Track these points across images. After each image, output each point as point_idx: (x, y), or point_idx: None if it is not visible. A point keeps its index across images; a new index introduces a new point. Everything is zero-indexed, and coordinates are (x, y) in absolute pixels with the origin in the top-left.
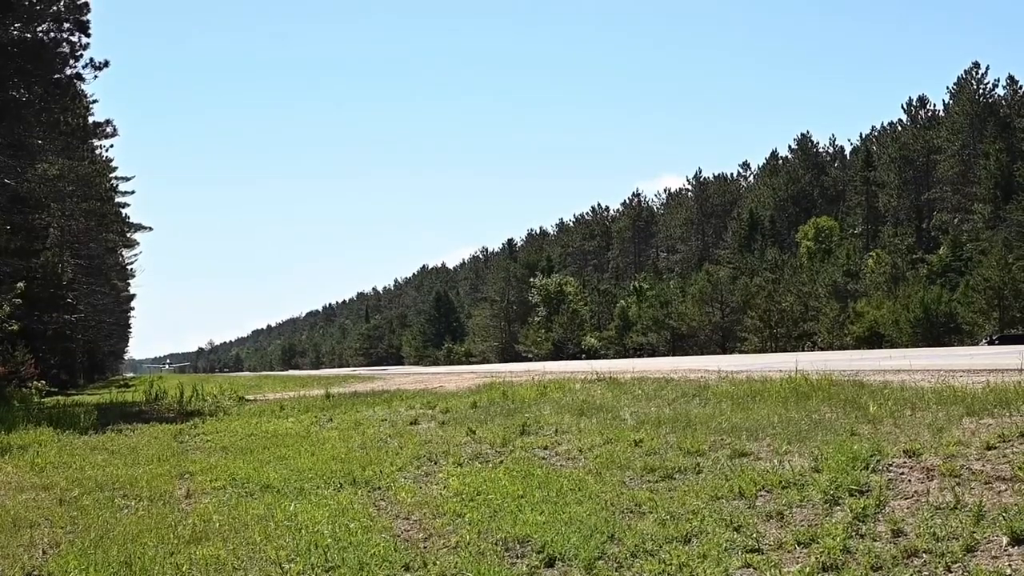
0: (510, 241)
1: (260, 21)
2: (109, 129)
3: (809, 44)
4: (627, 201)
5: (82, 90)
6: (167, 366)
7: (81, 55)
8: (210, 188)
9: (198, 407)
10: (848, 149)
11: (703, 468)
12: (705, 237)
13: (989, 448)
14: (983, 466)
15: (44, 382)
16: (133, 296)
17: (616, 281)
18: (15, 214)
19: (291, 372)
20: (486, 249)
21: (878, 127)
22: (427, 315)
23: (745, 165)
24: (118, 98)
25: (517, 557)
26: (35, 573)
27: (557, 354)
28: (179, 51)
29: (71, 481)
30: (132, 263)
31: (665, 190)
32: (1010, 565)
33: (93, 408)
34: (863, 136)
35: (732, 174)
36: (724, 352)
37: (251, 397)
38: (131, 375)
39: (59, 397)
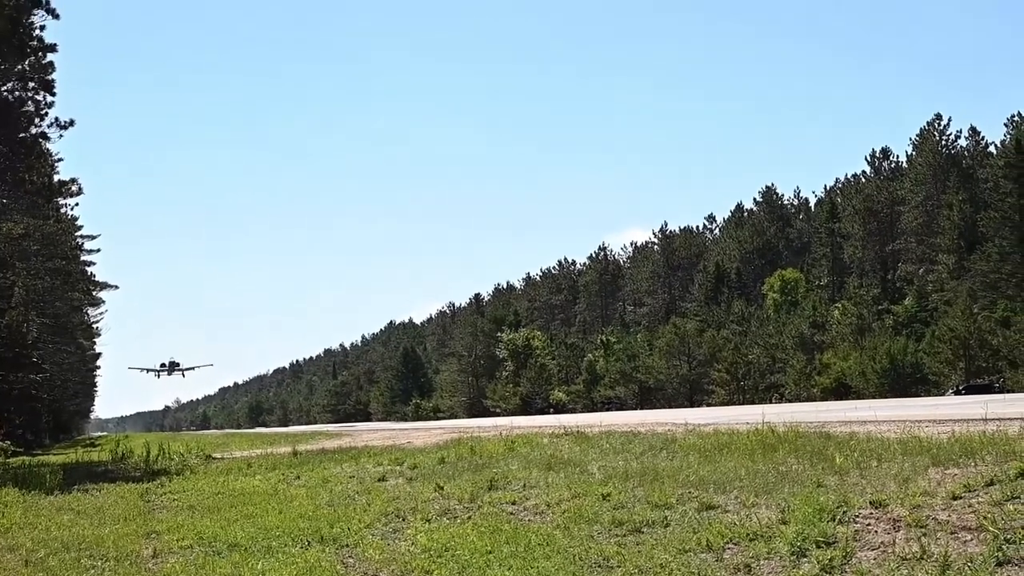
0: (477, 296)
1: (221, 77)
2: (75, 188)
3: (772, 98)
4: (594, 255)
5: (47, 149)
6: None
7: (46, 114)
8: (175, 247)
9: (165, 466)
10: (813, 201)
11: (671, 521)
12: (672, 290)
13: (955, 498)
14: (949, 516)
15: (9, 442)
16: (99, 355)
17: (583, 335)
18: None
19: (258, 430)
20: (453, 304)
21: (842, 179)
22: (395, 371)
23: (711, 218)
24: (83, 156)
25: None
26: None
27: (525, 409)
28: (142, 109)
29: (37, 542)
30: (98, 321)
31: (631, 243)
32: None
33: (59, 468)
34: (827, 188)
35: (698, 227)
36: (692, 405)
37: (218, 455)
38: (98, 434)
39: (24, 457)
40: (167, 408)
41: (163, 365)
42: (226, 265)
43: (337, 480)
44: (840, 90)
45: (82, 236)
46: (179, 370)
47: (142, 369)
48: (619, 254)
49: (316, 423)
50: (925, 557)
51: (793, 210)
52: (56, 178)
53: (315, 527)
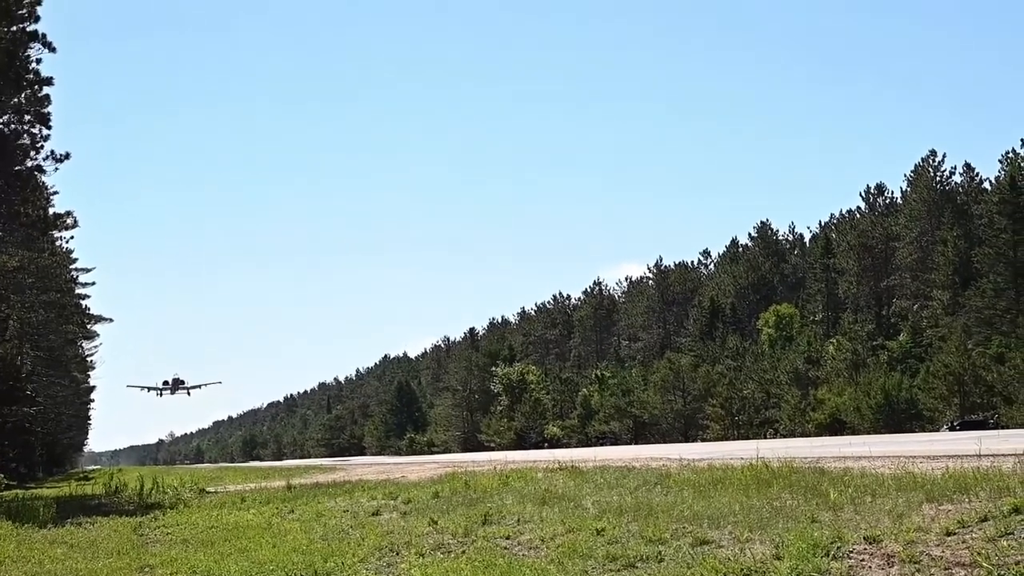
0: (472, 330)
1: (215, 109)
2: (70, 221)
3: (767, 133)
4: (588, 289)
5: (43, 182)
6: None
7: (42, 147)
8: (169, 279)
9: (159, 499)
10: (807, 237)
11: (665, 556)
12: (666, 325)
13: (949, 534)
14: (943, 552)
15: (2, 475)
16: (93, 388)
17: (578, 370)
18: None
19: (252, 463)
20: (448, 338)
21: (837, 215)
22: (389, 405)
23: (705, 253)
24: (78, 188)
25: None
26: None
27: (519, 443)
28: (137, 146)
29: (30, 575)
30: (92, 355)
31: (626, 278)
32: None
33: (52, 501)
34: (822, 224)
35: (693, 262)
36: (686, 440)
37: (212, 489)
38: (91, 468)
39: (18, 491)
40: (161, 441)
41: (166, 383)
42: (221, 298)
43: (331, 514)
44: (835, 126)
45: (77, 269)
46: (183, 388)
47: (143, 387)
48: (614, 289)
49: (310, 457)
50: None
51: (788, 245)
52: (51, 211)
53: (309, 561)
